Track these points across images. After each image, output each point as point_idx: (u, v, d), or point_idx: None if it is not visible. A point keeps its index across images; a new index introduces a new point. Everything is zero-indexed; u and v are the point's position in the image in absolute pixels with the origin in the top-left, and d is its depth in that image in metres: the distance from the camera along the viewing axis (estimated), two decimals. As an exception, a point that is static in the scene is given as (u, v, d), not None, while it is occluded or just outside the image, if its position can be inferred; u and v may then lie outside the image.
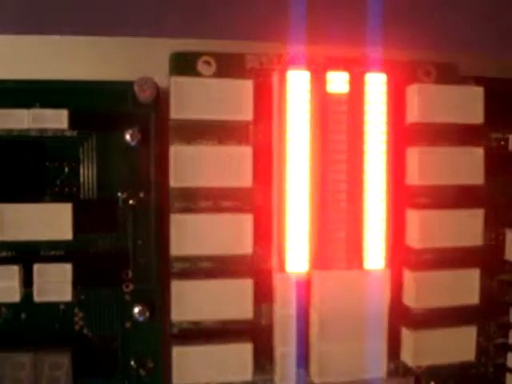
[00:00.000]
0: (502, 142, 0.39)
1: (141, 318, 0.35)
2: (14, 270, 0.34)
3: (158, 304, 0.35)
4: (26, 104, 0.34)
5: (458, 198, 0.36)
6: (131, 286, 0.36)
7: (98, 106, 0.35)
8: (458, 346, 0.37)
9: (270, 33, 0.36)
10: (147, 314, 0.35)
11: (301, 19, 0.36)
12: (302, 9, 0.37)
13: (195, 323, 0.34)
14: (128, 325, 0.35)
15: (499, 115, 0.38)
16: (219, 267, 0.34)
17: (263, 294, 0.35)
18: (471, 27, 0.42)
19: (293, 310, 0.35)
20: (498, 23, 0.43)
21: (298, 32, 0.35)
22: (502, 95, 0.39)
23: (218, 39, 0.36)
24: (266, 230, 0.35)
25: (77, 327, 0.35)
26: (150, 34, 0.36)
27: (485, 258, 0.38)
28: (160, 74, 0.35)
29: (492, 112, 0.37)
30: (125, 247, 0.35)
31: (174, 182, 0.33)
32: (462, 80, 0.38)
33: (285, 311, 0.35)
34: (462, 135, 0.36)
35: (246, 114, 0.34)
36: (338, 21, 0.38)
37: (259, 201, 0.35)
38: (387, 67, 0.36)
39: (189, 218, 0.34)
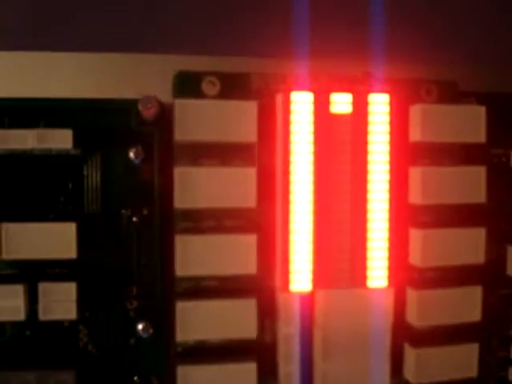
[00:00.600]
0: (504, 159, 0.39)
1: (145, 335, 0.35)
2: (19, 289, 0.34)
3: (162, 321, 0.35)
4: (30, 122, 0.34)
5: (460, 216, 0.36)
6: (135, 303, 0.36)
7: (102, 124, 0.35)
8: (461, 362, 0.37)
9: (275, 51, 0.36)
10: (151, 330, 0.35)
11: (304, 38, 0.37)
12: (305, 28, 0.37)
13: (200, 342, 0.34)
14: (132, 341, 0.36)
15: (501, 131, 0.38)
16: (223, 287, 0.35)
17: (267, 313, 0.35)
18: (472, 42, 0.42)
19: (296, 329, 0.35)
20: (499, 37, 0.43)
21: (302, 51, 0.36)
22: (504, 111, 0.39)
23: (221, 56, 0.36)
24: (270, 250, 0.35)
25: (81, 344, 0.35)
26: (154, 51, 0.36)
27: (486, 273, 0.38)
28: (164, 90, 0.35)
29: (494, 128, 0.38)
30: (129, 264, 0.35)
31: (178, 203, 0.33)
32: (463, 97, 0.38)
33: (288, 330, 0.35)
34: (464, 154, 0.37)
35: (251, 135, 0.34)
36: (341, 40, 0.38)
37: (263, 221, 0.35)
38: (390, 86, 0.36)
39: (193, 238, 0.34)
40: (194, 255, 0.34)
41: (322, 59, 0.35)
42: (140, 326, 0.35)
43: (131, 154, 0.35)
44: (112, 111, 0.35)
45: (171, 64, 0.35)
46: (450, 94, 0.37)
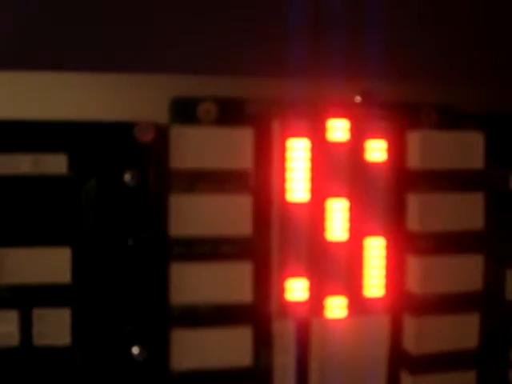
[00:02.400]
0: (502, 181, 0.39)
1: (140, 359, 0.35)
2: (13, 315, 0.34)
3: (159, 348, 0.35)
4: (24, 146, 0.34)
5: (459, 243, 0.36)
6: (130, 327, 0.35)
7: (97, 148, 0.34)
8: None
9: (272, 72, 0.35)
10: (146, 354, 0.35)
11: (301, 60, 0.36)
12: (302, 50, 0.37)
13: (195, 370, 0.34)
14: (128, 366, 0.35)
15: (499, 153, 0.38)
16: (219, 314, 0.34)
17: (263, 341, 0.35)
18: (470, 63, 0.42)
19: (292, 358, 0.35)
20: (497, 58, 0.43)
21: (298, 77, 0.35)
22: (503, 132, 0.38)
23: (218, 76, 0.36)
24: (266, 277, 0.35)
25: (76, 369, 0.35)
26: (149, 71, 0.36)
27: (485, 299, 0.38)
28: (160, 111, 0.35)
29: (493, 150, 0.37)
30: (124, 288, 0.35)
31: (173, 230, 0.33)
32: (463, 119, 0.37)
33: (284, 358, 0.35)
34: (464, 181, 0.36)
35: (246, 162, 0.33)
36: (338, 62, 0.38)
37: (259, 248, 0.35)
38: (387, 111, 0.35)
39: (188, 265, 0.33)
40: (189, 282, 0.33)
41: (318, 83, 0.35)
42: (135, 351, 0.35)
43: (127, 178, 0.35)
44: (108, 135, 0.34)
45: (168, 85, 0.35)
46: (449, 117, 0.37)
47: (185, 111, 0.34)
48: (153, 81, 0.35)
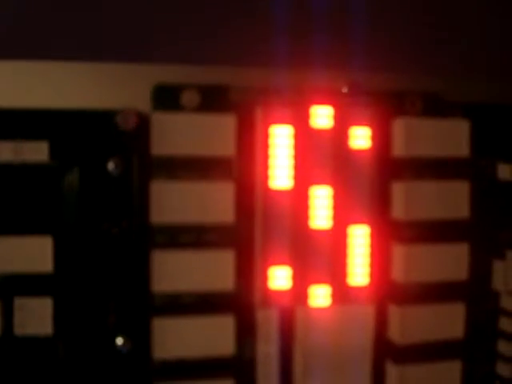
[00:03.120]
0: (489, 171, 0.39)
1: (124, 350, 0.35)
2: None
3: (141, 337, 0.35)
4: (5, 134, 0.33)
5: (444, 231, 0.36)
6: (114, 318, 0.35)
7: (79, 136, 0.34)
8: (444, 380, 0.36)
9: (255, 61, 0.35)
10: (130, 345, 0.35)
11: (284, 50, 0.36)
12: (285, 39, 0.37)
13: (177, 359, 0.34)
14: (111, 357, 0.35)
15: (486, 142, 0.38)
16: (201, 303, 0.34)
17: (246, 330, 0.35)
18: (457, 53, 0.42)
19: (276, 347, 0.34)
20: (486, 48, 0.43)
21: (282, 63, 0.35)
22: (491, 122, 0.38)
23: (201, 65, 0.35)
24: (249, 266, 0.35)
25: (58, 359, 0.35)
26: (133, 61, 0.35)
27: (470, 289, 0.37)
28: (143, 99, 0.34)
29: (480, 140, 0.37)
30: (107, 278, 0.35)
31: (154, 218, 0.33)
32: (450, 109, 0.37)
33: (267, 348, 0.34)
34: (449, 168, 0.36)
35: (229, 149, 0.33)
36: (323, 51, 0.38)
37: (242, 236, 0.34)
38: (372, 99, 0.35)
39: (170, 253, 0.33)
40: (171, 271, 0.33)
41: (302, 72, 0.35)
42: (119, 341, 0.35)
43: (110, 166, 0.34)
44: (90, 123, 0.34)
45: (150, 74, 0.35)
46: (435, 105, 0.37)
47: (167, 98, 0.34)
48: (135, 70, 0.35)
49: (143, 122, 0.34)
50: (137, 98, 0.35)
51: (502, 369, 0.39)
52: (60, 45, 0.38)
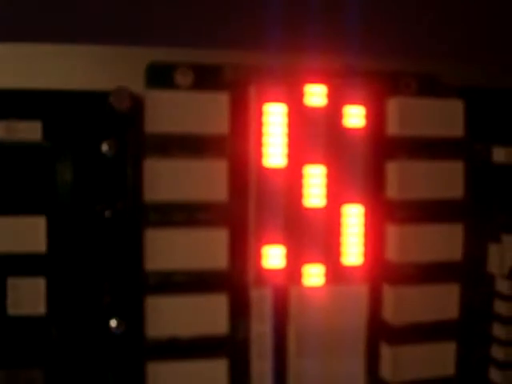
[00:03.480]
0: (485, 154, 0.39)
1: (118, 331, 0.35)
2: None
3: (135, 317, 0.35)
4: (-1, 114, 0.33)
5: (438, 211, 0.36)
6: (108, 299, 0.35)
7: (73, 117, 0.34)
8: (438, 360, 0.36)
9: (248, 43, 0.35)
10: (124, 327, 0.35)
11: (278, 31, 0.36)
12: (279, 20, 0.36)
13: (170, 338, 0.34)
14: (104, 337, 0.35)
15: (482, 126, 0.38)
16: (194, 282, 0.34)
17: (240, 310, 0.35)
18: (454, 36, 0.42)
19: (269, 327, 0.34)
20: (482, 31, 0.43)
21: (276, 44, 0.35)
22: (486, 106, 0.38)
23: (194, 48, 0.35)
24: (243, 245, 0.34)
25: (51, 341, 0.35)
26: (125, 43, 0.35)
27: (465, 270, 0.37)
28: (137, 82, 0.34)
29: (475, 123, 0.37)
30: (101, 259, 0.35)
31: (148, 196, 0.33)
32: (445, 91, 0.37)
33: (261, 327, 0.34)
34: (443, 148, 0.36)
35: (222, 127, 0.33)
36: (316, 31, 0.37)
37: (235, 214, 0.34)
38: (367, 79, 0.35)
39: (163, 232, 0.33)
40: (164, 249, 0.33)
41: (297, 52, 0.35)
42: (112, 323, 0.35)
43: (104, 148, 0.34)
44: (84, 103, 0.34)
45: (143, 56, 0.35)
46: (430, 88, 0.37)
47: (161, 77, 0.34)
48: (129, 52, 0.35)
49: (137, 103, 0.34)
50: (130, 80, 0.35)
51: (497, 352, 0.39)
52: (53, 27, 0.38)
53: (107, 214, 0.34)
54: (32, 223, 0.34)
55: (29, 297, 0.34)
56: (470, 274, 0.38)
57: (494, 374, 0.39)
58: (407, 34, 0.41)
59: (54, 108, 0.34)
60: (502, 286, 0.38)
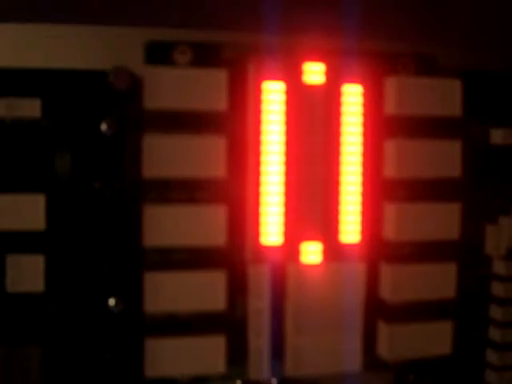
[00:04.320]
0: (483, 136, 0.39)
1: (116, 310, 0.35)
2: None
3: (134, 295, 0.35)
4: (-1, 92, 0.33)
5: (436, 190, 0.36)
6: (106, 276, 0.35)
7: (72, 96, 0.34)
8: (435, 339, 0.37)
9: (246, 22, 0.35)
10: (122, 306, 0.35)
11: (277, 8, 0.36)
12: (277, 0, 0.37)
13: (168, 314, 0.34)
14: (103, 317, 0.35)
15: (481, 108, 0.38)
16: (192, 258, 0.34)
17: (238, 286, 0.35)
18: (453, 18, 0.42)
19: (267, 303, 0.34)
20: (481, 13, 0.43)
21: (275, 22, 0.35)
22: (484, 88, 0.38)
23: (192, 28, 0.35)
24: (241, 221, 0.35)
25: (50, 318, 0.35)
26: (125, 23, 0.35)
27: (463, 252, 0.37)
28: (136, 62, 0.34)
29: (474, 105, 0.37)
30: (99, 238, 0.35)
31: (146, 172, 0.33)
32: (443, 72, 0.37)
33: (258, 304, 0.34)
34: (441, 128, 0.36)
35: (221, 103, 0.33)
36: (316, 11, 0.38)
37: (234, 192, 0.34)
38: (365, 58, 0.35)
39: (162, 208, 0.33)
40: (163, 226, 0.33)
41: (295, 31, 0.35)
42: (111, 302, 0.35)
43: (103, 127, 0.34)
44: (83, 82, 0.34)
45: (142, 36, 0.35)
46: (429, 68, 0.37)
47: (160, 55, 0.34)
48: (128, 31, 0.35)
49: (136, 82, 0.34)
50: (129, 59, 0.35)
51: (494, 333, 0.39)
52: (53, 7, 0.38)
53: (106, 192, 0.35)
54: (31, 201, 0.34)
55: (28, 274, 0.34)
56: (467, 254, 0.38)
57: (491, 355, 0.39)
58: (406, 15, 0.41)
59: (53, 86, 0.34)
60: (499, 267, 0.38)
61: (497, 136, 0.39)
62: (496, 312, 0.39)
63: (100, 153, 0.34)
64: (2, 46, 0.35)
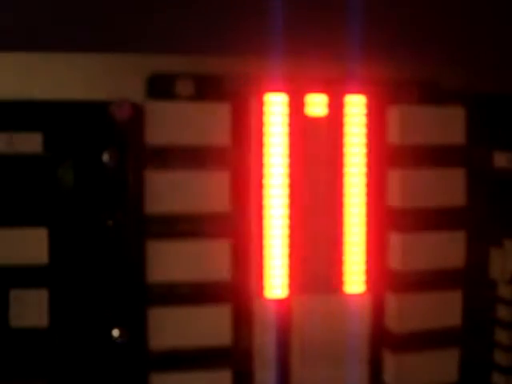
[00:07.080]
0: (486, 160, 0.39)
1: (120, 341, 0.35)
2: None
3: (138, 328, 0.35)
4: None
5: (441, 219, 0.36)
6: (110, 309, 0.35)
7: (74, 127, 0.34)
8: (442, 367, 0.36)
9: (250, 50, 0.35)
10: (127, 337, 0.35)
11: (279, 38, 0.36)
12: (280, 28, 0.36)
13: (174, 349, 0.34)
14: (108, 348, 0.35)
15: (483, 132, 0.38)
16: (197, 293, 0.34)
17: (243, 320, 0.35)
18: (454, 43, 0.41)
19: (273, 337, 0.34)
20: (483, 37, 0.42)
21: (277, 51, 0.35)
22: (487, 111, 0.38)
23: (195, 55, 0.35)
24: (246, 255, 0.34)
25: (54, 352, 0.35)
26: (127, 50, 0.35)
27: (468, 277, 0.37)
28: (137, 91, 0.34)
29: (477, 128, 0.37)
30: (103, 270, 0.35)
31: (149, 208, 0.33)
32: (445, 97, 0.37)
33: (264, 338, 0.34)
34: (445, 156, 0.36)
35: (224, 137, 0.33)
36: (318, 41, 0.37)
37: (238, 225, 0.34)
38: (368, 87, 0.35)
39: (165, 243, 0.33)
40: (167, 261, 0.33)
41: (297, 60, 0.35)
42: (115, 333, 0.35)
43: (105, 157, 0.34)
44: (84, 114, 0.34)
45: (144, 64, 0.35)
46: (431, 94, 0.37)
47: (162, 87, 0.34)
48: (129, 61, 0.35)
49: (137, 113, 0.34)
50: (131, 90, 0.34)
51: (500, 357, 0.39)
52: (53, 36, 0.38)
53: (108, 224, 0.34)
54: (34, 235, 0.33)
55: (31, 308, 0.34)
56: (472, 280, 0.38)
57: (497, 378, 0.39)
58: (408, 41, 0.41)
59: (54, 119, 0.34)
60: (504, 291, 0.38)
61: (501, 160, 0.38)
62: (502, 336, 0.38)
63: (102, 185, 0.34)
64: (1, 76, 0.34)
